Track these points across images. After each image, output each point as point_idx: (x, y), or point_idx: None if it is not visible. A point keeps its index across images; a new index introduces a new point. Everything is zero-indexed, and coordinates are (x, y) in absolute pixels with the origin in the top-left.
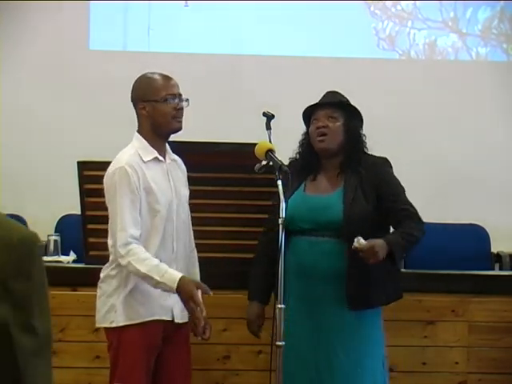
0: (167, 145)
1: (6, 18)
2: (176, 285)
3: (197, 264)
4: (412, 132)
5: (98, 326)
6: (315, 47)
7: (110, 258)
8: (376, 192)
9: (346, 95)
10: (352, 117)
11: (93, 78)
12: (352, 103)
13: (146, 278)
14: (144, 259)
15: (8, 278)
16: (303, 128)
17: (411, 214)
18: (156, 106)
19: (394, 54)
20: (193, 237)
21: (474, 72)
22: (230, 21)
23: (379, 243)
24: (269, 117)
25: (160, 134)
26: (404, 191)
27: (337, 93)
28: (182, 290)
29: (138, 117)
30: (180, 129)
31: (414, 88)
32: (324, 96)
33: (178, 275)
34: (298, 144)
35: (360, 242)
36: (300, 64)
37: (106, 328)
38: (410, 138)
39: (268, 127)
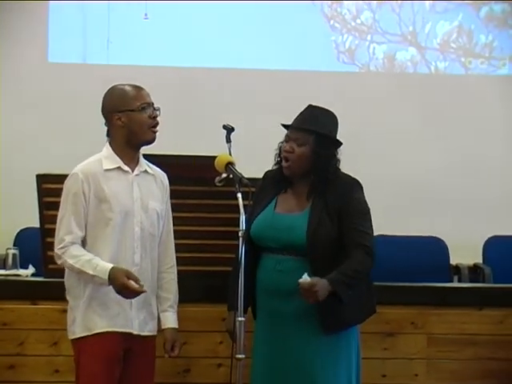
0: (141, 157)
1: None
2: (107, 276)
3: (174, 282)
4: (372, 145)
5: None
6: (276, 60)
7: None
8: (338, 216)
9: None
10: (323, 141)
11: (52, 91)
12: (336, 118)
13: (81, 273)
14: (77, 255)
15: None
16: (263, 140)
17: (362, 246)
18: (132, 116)
19: (354, 67)
20: (173, 254)
21: (433, 85)
22: (189, 33)
23: (321, 283)
24: (229, 130)
25: (133, 145)
26: (365, 218)
27: (317, 110)
28: (113, 281)
29: (110, 128)
30: (154, 140)
31: (373, 101)
32: (303, 111)
33: (109, 266)
34: (278, 151)
35: (304, 279)
36: (260, 77)
37: (70, 340)
38: (370, 151)
39: (228, 140)
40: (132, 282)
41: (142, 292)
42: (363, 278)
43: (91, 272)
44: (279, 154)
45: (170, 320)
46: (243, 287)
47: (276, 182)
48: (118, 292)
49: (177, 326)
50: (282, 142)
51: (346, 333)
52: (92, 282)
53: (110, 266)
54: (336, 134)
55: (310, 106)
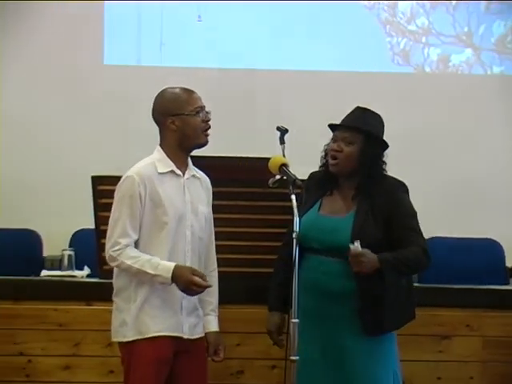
0: (190, 161)
1: (23, 32)
2: (171, 274)
3: (216, 285)
4: (426, 146)
5: (112, 339)
6: (330, 61)
7: (114, 270)
8: (387, 218)
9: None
10: (371, 141)
11: (107, 93)
12: (382, 120)
13: (139, 273)
14: (136, 256)
15: None
16: (317, 142)
17: (419, 246)
18: (186, 120)
19: (409, 68)
20: (215, 257)
21: (488, 86)
22: (242, 35)
23: (370, 256)
24: (282, 131)
25: (184, 149)
26: (415, 219)
27: (365, 111)
28: (178, 279)
29: (162, 131)
30: (207, 143)
31: (427, 102)
32: (351, 112)
33: (171, 265)
34: (324, 153)
35: (355, 245)
36: (315, 78)
37: (118, 342)
38: (424, 151)
39: (282, 141)
40: (198, 278)
41: (208, 287)
42: (413, 271)
43: (152, 272)
44: (325, 156)
45: (213, 324)
46: (283, 286)
47: (321, 184)
48: (184, 289)
49: (219, 330)
50: (327, 145)
51: (386, 337)
52: (151, 281)
53: (173, 264)
54: (383, 136)
55: (358, 108)
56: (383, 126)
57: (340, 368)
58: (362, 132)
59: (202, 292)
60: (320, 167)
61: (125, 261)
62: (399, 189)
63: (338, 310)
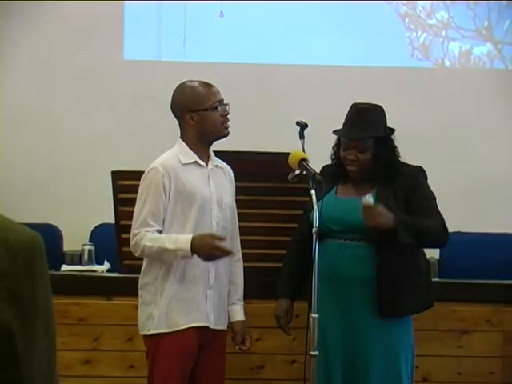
0: (212, 152)
1: (42, 26)
2: (190, 245)
3: (241, 275)
4: (448, 141)
5: (140, 333)
6: (350, 57)
7: (143, 265)
8: (406, 199)
9: (378, 103)
10: (382, 143)
11: (127, 88)
12: (383, 109)
13: (161, 252)
14: (155, 238)
15: (12, 283)
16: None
17: (435, 218)
18: (205, 115)
19: (428, 63)
20: (240, 247)
21: (510, 81)
22: (265, 31)
23: (385, 213)
24: (302, 126)
25: (205, 142)
26: (433, 200)
27: (364, 112)
28: (198, 246)
29: (182, 126)
30: (227, 134)
31: (448, 96)
32: (351, 116)
33: (189, 236)
34: (332, 150)
35: (367, 198)
36: (335, 73)
37: (144, 335)
38: (446, 146)
39: (301, 136)
40: (220, 243)
41: (231, 253)
42: (430, 241)
43: (172, 247)
44: (334, 154)
45: (239, 313)
46: (294, 276)
47: (334, 175)
48: (206, 257)
49: (245, 319)
50: (335, 146)
51: (402, 321)
52: (175, 258)
53: (190, 235)
54: (386, 125)
55: (356, 109)
56: (385, 114)
57: (355, 353)
58: (371, 137)
59: (224, 256)
60: (331, 160)
61: (146, 243)
62: (419, 174)
63: (356, 295)
